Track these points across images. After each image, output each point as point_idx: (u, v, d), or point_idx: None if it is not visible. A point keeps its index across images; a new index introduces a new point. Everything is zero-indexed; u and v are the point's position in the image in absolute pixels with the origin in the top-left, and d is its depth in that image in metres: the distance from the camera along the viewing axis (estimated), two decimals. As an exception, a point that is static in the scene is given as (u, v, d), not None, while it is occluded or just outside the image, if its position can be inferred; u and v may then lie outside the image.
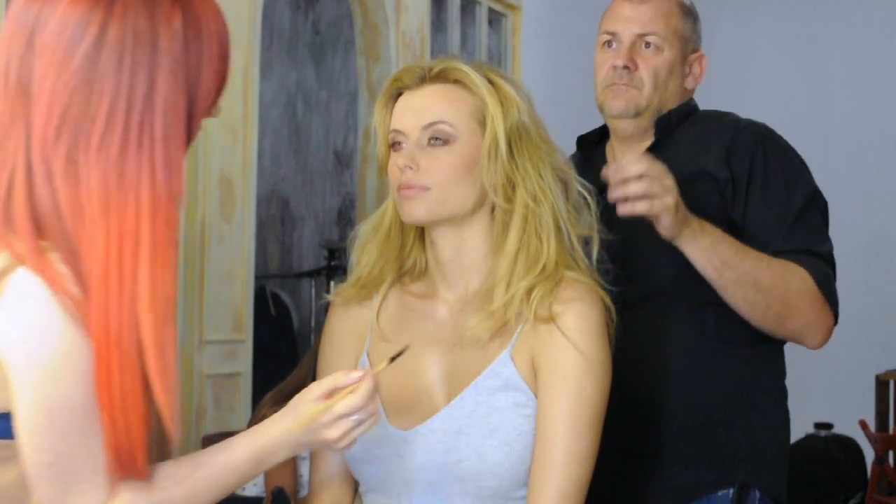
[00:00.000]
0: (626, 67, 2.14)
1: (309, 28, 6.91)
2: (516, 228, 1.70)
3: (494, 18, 6.44)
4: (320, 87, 6.90)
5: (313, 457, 1.79)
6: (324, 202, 6.93)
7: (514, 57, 6.46)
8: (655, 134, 2.17)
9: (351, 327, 1.78)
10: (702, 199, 2.01)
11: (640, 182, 1.85)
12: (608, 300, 1.72)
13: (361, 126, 5.69)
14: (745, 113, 2.19)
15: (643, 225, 1.91)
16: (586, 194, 1.77)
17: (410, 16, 5.64)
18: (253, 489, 3.76)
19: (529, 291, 1.68)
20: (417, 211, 1.70)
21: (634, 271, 1.94)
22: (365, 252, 1.79)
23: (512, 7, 6.45)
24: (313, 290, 6.50)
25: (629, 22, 2.17)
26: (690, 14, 2.22)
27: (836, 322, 2.00)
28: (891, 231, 6.97)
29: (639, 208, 1.85)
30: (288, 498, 3.43)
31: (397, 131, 1.73)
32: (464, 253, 1.73)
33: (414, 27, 5.68)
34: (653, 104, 2.16)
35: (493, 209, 1.73)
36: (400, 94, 1.76)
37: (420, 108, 1.71)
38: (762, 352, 2.05)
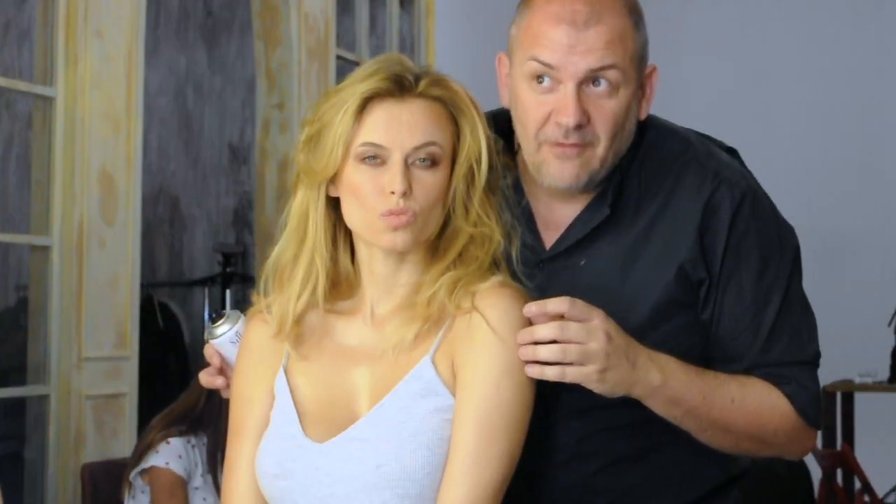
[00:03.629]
0: (578, 126, 1.75)
1: (200, 8, 6.85)
2: (462, 241, 1.76)
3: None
4: (213, 73, 6.85)
5: (225, 475, 1.81)
6: (218, 202, 6.89)
7: (427, 42, 6.46)
8: (604, 199, 1.82)
9: (269, 344, 1.81)
10: (676, 311, 1.81)
11: (552, 326, 1.66)
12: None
13: (259, 117, 5.67)
14: (679, 112, 2.05)
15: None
16: (508, 194, 1.82)
17: (314, -5, 5.65)
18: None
19: (455, 283, 1.73)
20: (403, 241, 1.72)
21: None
22: (288, 282, 1.79)
23: (426, -14, 6.47)
24: (207, 300, 6.51)
25: (574, 53, 1.73)
26: (639, 15, 1.80)
27: (818, 431, 1.87)
28: (838, 234, 7.04)
29: (542, 353, 1.66)
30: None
31: (377, 145, 1.73)
32: (402, 270, 1.78)
33: (318, 8, 5.66)
34: (606, 163, 1.78)
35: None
36: (367, 101, 1.75)
37: (410, 125, 1.73)
38: None
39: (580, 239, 1.83)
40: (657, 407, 1.74)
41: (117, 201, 4.61)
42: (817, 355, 1.84)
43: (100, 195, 4.55)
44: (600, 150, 1.77)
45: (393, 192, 1.70)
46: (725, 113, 6.62)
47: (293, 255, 1.79)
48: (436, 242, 1.78)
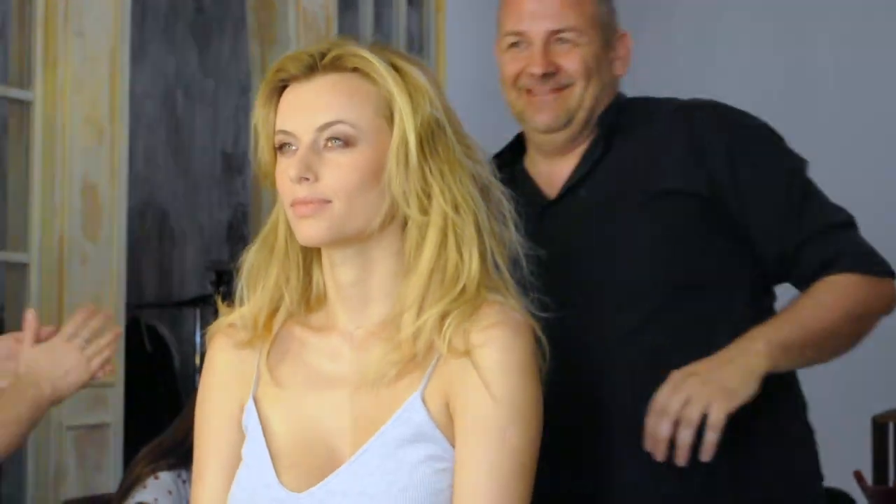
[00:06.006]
0: (545, 75, 2.23)
1: (190, 4, 6.88)
2: (432, 243, 1.71)
3: (415, -7, 6.46)
4: (205, 75, 6.88)
5: None
6: (210, 215, 6.90)
7: (437, 40, 6.47)
8: (599, 137, 2.25)
9: (236, 366, 1.80)
10: (673, 224, 2.17)
11: (664, 423, 2.00)
12: (539, 330, 1.74)
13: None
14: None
15: (577, 239, 2.12)
16: (506, 202, 1.79)
17: (313, -10, 5.66)
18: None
19: (444, 318, 1.69)
20: (317, 231, 1.70)
21: (569, 293, 1.97)
22: (259, 283, 1.79)
23: (436, -20, 6.48)
24: (198, 322, 6.47)
25: (536, 18, 2.24)
26: None
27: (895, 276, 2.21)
28: (886, 247, 7.02)
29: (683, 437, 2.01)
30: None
31: (285, 132, 1.73)
32: (369, 275, 1.75)
33: (318, 4, 5.68)
34: (585, 103, 2.24)
35: (404, 222, 1.75)
36: (285, 87, 1.76)
37: (313, 105, 1.72)
38: None
39: (582, 176, 2.23)
40: (784, 363, 2.07)
41: (101, 215, 4.61)
42: (850, 218, 2.28)
43: (82, 208, 4.54)
44: (577, 89, 2.23)
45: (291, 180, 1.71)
46: (769, 119, 6.59)
47: (266, 257, 1.80)
48: (405, 247, 1.75)
